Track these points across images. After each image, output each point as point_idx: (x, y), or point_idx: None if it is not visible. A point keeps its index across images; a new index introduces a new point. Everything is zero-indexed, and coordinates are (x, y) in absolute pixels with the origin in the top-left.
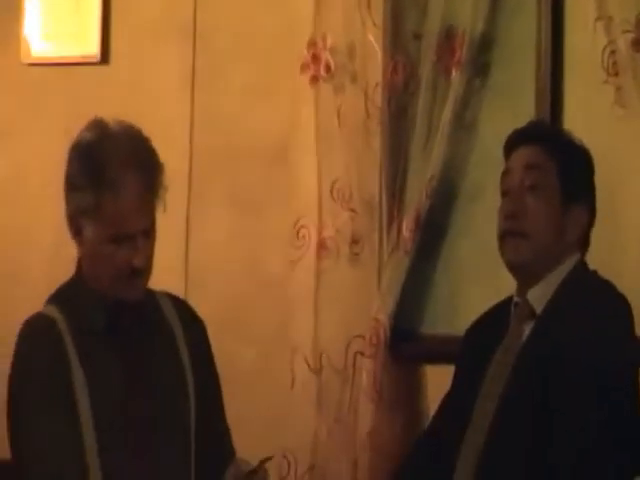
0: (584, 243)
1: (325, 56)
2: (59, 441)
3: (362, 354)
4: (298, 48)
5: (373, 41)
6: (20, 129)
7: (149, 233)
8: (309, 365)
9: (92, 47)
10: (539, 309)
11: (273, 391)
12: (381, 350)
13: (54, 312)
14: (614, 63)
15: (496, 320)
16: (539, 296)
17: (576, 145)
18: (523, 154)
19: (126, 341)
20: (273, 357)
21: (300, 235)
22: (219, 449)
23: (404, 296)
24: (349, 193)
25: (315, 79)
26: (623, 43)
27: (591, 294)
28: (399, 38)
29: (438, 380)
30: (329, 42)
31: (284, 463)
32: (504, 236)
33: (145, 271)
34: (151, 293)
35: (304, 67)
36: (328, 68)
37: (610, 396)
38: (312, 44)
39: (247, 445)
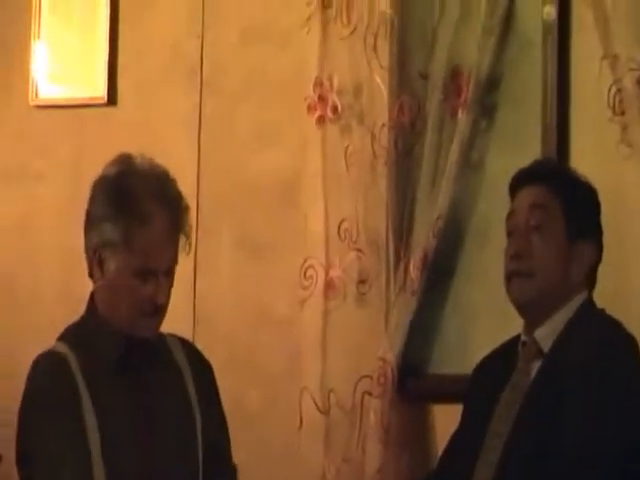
0: (591, 281)
1: (332, 97)
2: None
3: (370, 394)
4: (305, 89)
5: (379, 81)
6: (29, 170)
7: (170, 272)
8: (317, 405)
9: (99, 89)
10: (546, 348)
11: (281, 431)
12: (388, 390)
13: (65, 349)
14: (620, 101)
15: (504, 359)
16: (546, 335)
17: (581, 183)
18: (528, 194)
19: (136, 379)
20: (281, 397)
21: (307, 275)
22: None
23: (411, 336)
24: (356, 233)
25: (322, 120)
26: (629, 81)
27: (599, 333)
28: (405, 78)
29: (446, 419)
30: (335, 83)
31: None
32: (510, 277)
33: (164, 309)
34: (160, 334)
35: (311, 108)
36: (335, 109)
37: (617, 434)
38: (318, 85)
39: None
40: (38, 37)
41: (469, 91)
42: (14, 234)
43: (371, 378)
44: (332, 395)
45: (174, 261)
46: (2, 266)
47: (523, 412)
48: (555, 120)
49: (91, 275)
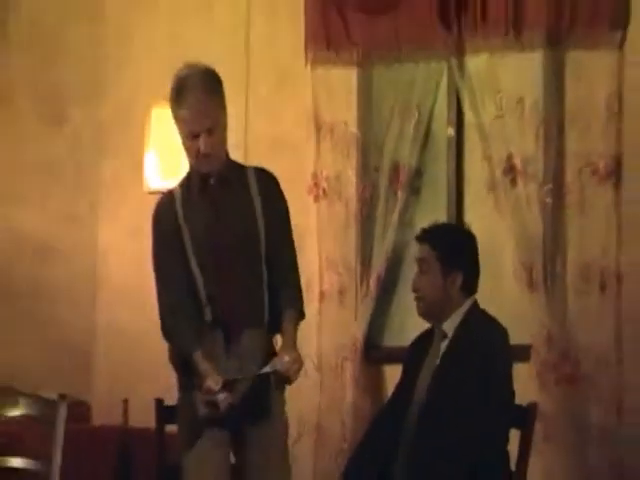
0: (471, 292)
1: (322, 184)
2: (175, 276)
3: (346, 359)
4: (305, 178)
5: (350, 174)
6: (144, 237)
7: (212, 130)
8: (314, 364)
9: None
10: (449, 333)
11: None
12: (358, 356)
13: (175, 186)
14: (493, 184)
15: (424, 341)
16: (448, 327)
17: (453, 236)
18: (418, 250)
19: (213, 196)
20: None
21: (310, 288)
22: (281, 280)
23: (371, 324)
24: (338, 264)
25: (317, 197)
26: (499, 172)
27: (481, 325)
28: (366, 171)
29: (392, 374)
30: (324, 174)
31: (299, 427)
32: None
33: (211, 155)
34: (240, 166)
35: (310, 190)
36: (324, 191)
37: (493, 389)
38: (314, 176)
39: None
40: (149, 148)
41: (404, 178)
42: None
43: (347, 349)
44: (323, 359)
45: (213, 124)
46: None
47: (436, 374)
48: (454, 195)
49: None
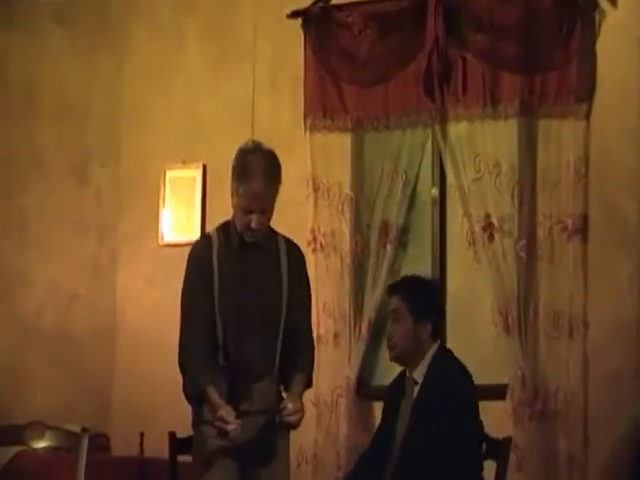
0: (437, 336)
1: (320, 238)
2: (201, 312)
3: (340, 396)
4: (304, 234)
5: (345, 230)
6: (158, 285)
7: (265, 210)
8: (312, 401)
9: (196, 233)
10: (419, 380)
11: None
12: (351, 394)
13: (213, 232)
14: (473, 239)
15: (400, 384)
16: (418, 374)
17: (421, 286)
18: (390, 301)
19: (247, 258)
20: None
21: None
22: (297, 347)
23: (362, 365)
24: (333, 310)
25: (314, 250)
26: (477, 228)
27: (446, 367)
28: (358, 227)
29: (380, 410)
30: (322, 230)
31: (298, 456)
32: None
33: (258, 230)
34: (274, 234)
35: (309, 244)
36: (321, 245)
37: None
38: (312, 231)
39: None
40: (164, 206)
41: (392, 234)
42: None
43: (341, 387)
44: (320, 396)
45: (267, 206)
46: None
47: (410, 424)
48: (438, 249)
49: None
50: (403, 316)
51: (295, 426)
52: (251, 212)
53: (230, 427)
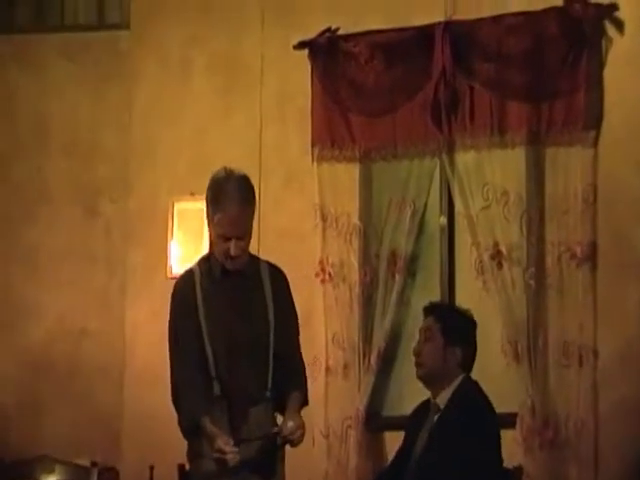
0: (467, 367)
1: (328, 268)
2: (190, 350)
3: (350, 427)
4: (313, 264)
5: (353, 260)
6: (167, 319)
7: (242, 237)
8: (322, 433)
9: None
10: (442, 406)
11: (303, 447)
12: (360, 425)
13: (194, 266)
14: (481, 268)
15: (423, 410)
16: (442, 400)
17: (456, 314)
18: (424, 321)
19: (230, 284)
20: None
21: (317, 363)
22: (288, 372)
23: (372, 396)
24: (342, 341)
25: (323, 281)
26: (486, 256)
27: (469, 399)
28: (367, 258)
29: (391, 442)
30: (330, 260)
31: None
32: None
33: (239, 257)
34: (256, 260)
35: (317, 274)
36: (330, 275)
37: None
38: (321, 262)
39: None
40: (172, 239)
41: (401, 263)
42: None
43: (351, 418)
44: (330, 428)
45: (244, 232)
46: None
47: (427, 443)
48: (447, 278)
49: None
50: (435, 336)
51: (296, 444)
52: (229, 239)
53: (229, 457)
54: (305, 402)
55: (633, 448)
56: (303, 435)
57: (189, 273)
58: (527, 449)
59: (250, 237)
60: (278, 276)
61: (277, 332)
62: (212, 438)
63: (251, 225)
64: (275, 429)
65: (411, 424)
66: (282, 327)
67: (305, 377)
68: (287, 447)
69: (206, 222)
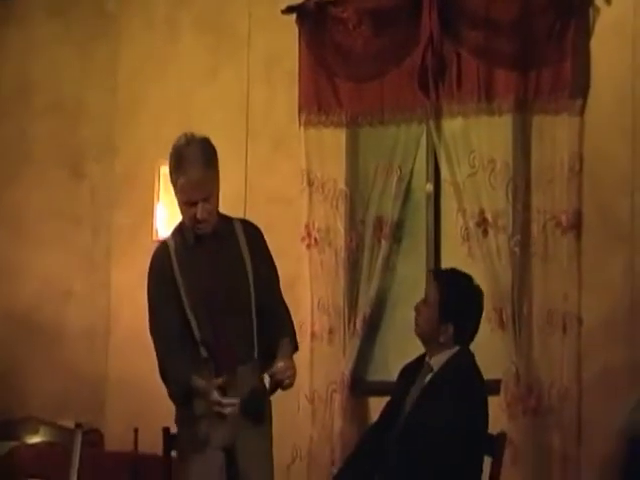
0: (462, 342)
1: (314, 233)
2: (171, 322)
3: (335, 391)
4: (299, 229)
5: (339, 225)
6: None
7: (207, 199)
8: (307, 398)
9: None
10: (435, 368)
11: (288, 411)
12: (345, 389)
13: (168, 237)
14: (467, 235)
15: (415, 367)
16: (436, 362)
17: (463, 289)
18: (430, 283)
19: (205, 248)
20: (288, 395)
21: (302, 329)
22: (274, 322)
23: (357, 361)
24: (327, 306)
25: (309, 246)
26: (471, 224)
27: (461, 369)
28: (353, 223)
29: (375, 406)
30: (316, 225)
31: (293, 453)
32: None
33: (206, 220)
34: (229, 219)
35: (303, 239)
36: (316, 240)
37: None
38: (307, 226)
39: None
40: (158, 200)
41: (387, 230)
42: None
43: (336, 383)
44: (315, 392)
45: (209, 194)
46: None
47: (417, 402)
48: (432, 245)
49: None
50: (432, 306)
51: (287, 385)
52: (195, 203)
53: (227, 410)
54: (295, 348)
55: (616, 415)
56: (294, 377)
57: (163, 244)
58: (511, 415)
59: (217, 199)
60: (252, 231)
61: (257, 285)
62: (207, 393)
63: (216, 187)
64: (265, 374)
65: (401, 380)
66: (262, 279)
67: (292, 323)
68: (274, 420)
69: (173, 192)
